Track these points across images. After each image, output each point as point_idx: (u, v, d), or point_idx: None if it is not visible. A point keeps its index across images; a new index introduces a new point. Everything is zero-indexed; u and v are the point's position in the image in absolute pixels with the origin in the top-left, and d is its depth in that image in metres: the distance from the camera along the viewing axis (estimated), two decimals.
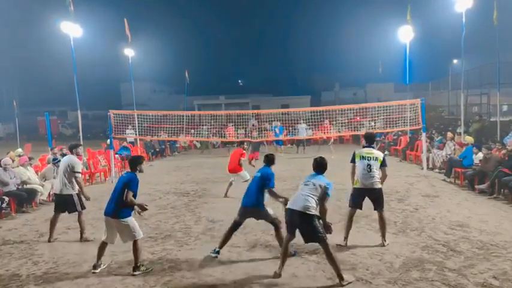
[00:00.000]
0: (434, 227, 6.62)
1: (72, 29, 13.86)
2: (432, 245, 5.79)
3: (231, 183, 9.60)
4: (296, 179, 11.65)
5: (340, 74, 54.62)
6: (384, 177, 5.90)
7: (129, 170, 5.36)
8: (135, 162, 5.35)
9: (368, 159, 5.80)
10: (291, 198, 5.04)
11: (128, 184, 5.04)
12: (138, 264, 5.07)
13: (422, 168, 12.25)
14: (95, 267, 5.16)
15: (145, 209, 5.24)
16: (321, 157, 5.21)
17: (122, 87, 48.54)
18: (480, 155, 10.00)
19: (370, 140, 6.27)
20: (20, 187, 8.90)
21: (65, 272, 5.18)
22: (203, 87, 50.19)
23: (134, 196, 5.08)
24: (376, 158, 5.83)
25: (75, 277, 5.01)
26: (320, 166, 5.11)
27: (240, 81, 69.05)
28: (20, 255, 5.86)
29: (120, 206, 5.02)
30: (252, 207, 5.54)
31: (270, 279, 4.77)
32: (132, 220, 5.11)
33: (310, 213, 4.72)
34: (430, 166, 12.54)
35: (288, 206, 4.96)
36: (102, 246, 5.23)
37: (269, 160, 5.93)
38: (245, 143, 11.60)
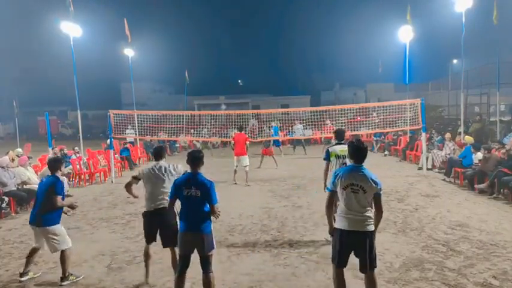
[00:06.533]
0: (434, 227, 6.63)
1: (72, 29, 13.85)
2: (432, 244, 5.80)
3: (235, 171, 11.03)
4: (297, 179, 11.68)
5: (340, 74, 54.92)
6: None
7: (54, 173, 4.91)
8: (55, 164, 4.91)
9: (343, 157, 5.77)
10: (339, 214, 3.79)
11: (53, 189, 4.69)
12: (67, 275, 4.77)
13: (421, 168, 12.25)
14: (21, 275, 4.90)
15: (75, 207, 5.09)
16: (358, 140, 4.04)
17: (122, 87, 48.59)
18: (480, 155, 10.00)
19: (341, 136, 6.22)
20: (19, 187, 8.92)
21: None
22: (203, 87, 50.32)
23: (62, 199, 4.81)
24: None
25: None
26: (361, 152, 3.79)
27: (240, 81, 69.21)
28: (20, 255, 5.85)
29: (43, 212, 4.72)
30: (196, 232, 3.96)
31: (270, 279, 4.77)
32: (59, 228, 4.80)
33: (371, 229, 3.69)
34: (429, 167, 12.52)
35: (337, 226, 3.74)
36: (32, 253, 4.94)
37: (193, 159, 4.00)
38: (244, 128, 13.10)
